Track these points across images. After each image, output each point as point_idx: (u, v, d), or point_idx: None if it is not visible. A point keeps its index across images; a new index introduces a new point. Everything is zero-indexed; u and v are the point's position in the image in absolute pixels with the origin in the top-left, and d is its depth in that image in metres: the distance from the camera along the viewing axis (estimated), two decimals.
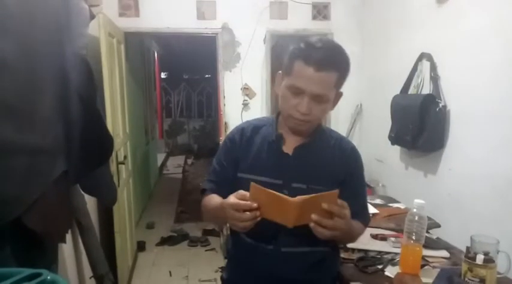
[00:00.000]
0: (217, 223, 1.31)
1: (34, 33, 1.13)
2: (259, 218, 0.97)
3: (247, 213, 0.95)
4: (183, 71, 9.40)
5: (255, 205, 0.95)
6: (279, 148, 1.15)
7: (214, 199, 1.16)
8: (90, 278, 2.06)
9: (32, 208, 1.10)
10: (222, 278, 1.33)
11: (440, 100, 2.13)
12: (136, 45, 4.39)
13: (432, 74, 2.21)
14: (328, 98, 1.06)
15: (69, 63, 1.30)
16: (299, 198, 0.93)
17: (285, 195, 0.96)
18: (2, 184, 1.01)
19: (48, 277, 0.75)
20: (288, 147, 1.15)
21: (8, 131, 1.02)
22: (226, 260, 1.34)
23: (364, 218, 1.23)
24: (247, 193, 0.97)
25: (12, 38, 1.03)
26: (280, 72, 1.12)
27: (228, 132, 1.24)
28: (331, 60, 1.02)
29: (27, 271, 0.75)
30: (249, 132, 1.18)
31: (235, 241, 1.22)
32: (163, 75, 9.02)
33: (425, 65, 2.29)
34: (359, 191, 1.23)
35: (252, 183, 0.96)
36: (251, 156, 1.15)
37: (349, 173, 1.18)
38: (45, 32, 1.18)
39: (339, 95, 1.11)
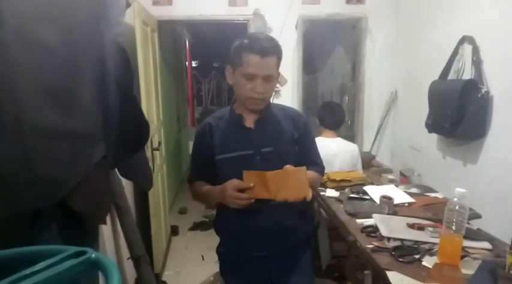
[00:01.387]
0: (207, 203, 1.60)
1: (74, 21, 1.15)
2: (253, 200, 1.26)
3: (245, 194, 1.25)
4: (213, 59, 9.45)
5: (251, 184, 1.25)
6: (242, 125, 1.40)
7: (203, 185, 1.44)
8: (128, 259, 2.13)
9: (75, 190, 1.13)
10: (218, 252, 1.55)
11: (483, 85, 2.03)
12: (168, 33, 4.44)
13: (474, 58, 2.10)
14: (274, 77, 1.34)
15: (107, 51, 1.32)
16: (272, 171, 1.25)
17: (257, 160, 1.35)
18: (49, 167, 1.05)
19: (93, 255, 0.77)
20: (249, 123, 1.41)
21: (53, 117, 1.05)
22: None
23: (320, 166, 1.55)
24: (241, 182, 1.27)
25: (55, 26, 1.05)
26: (228, 66, 1.37)
27: None
28: (270, 47, 1.29)
29: (73, 249, 0.78)
30: (214, 123, 1.43)
31: (226, 214, 1.42)
32: (194, 64, 9.09)
33: (467, 49, 2.19)
34: (311, 145, 1.54)
35: (245, 171, 1.26)
36: (221, 140, 1.40)
37: (300, 132, 1.45)
38: (85, 20, 1.21)
39: (278, 74, 1.37)
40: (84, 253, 0.77)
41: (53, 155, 1.06)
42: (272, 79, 1.33)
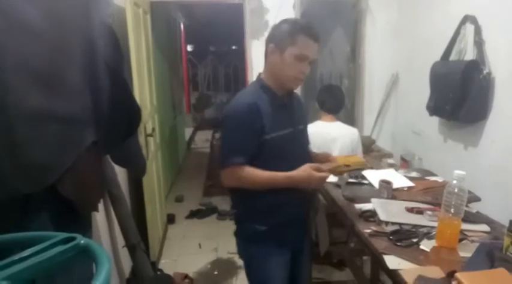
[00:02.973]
0: (264, 188, 1.43)
1: (61, 1, 1.11)
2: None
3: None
4: (209, 43, 9.30)
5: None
6: (284, 104, 1.47)
7: (258, 170, 1.39)
8: (123, 247, 2.12)
9: (65, 176, 1.11)
10: (254, 233, 1.48)
11: (485, 66, 1.99)
12: (162, 16, 4.33)
13: (476, 39, 2.05)
14: None
15: (96, 33, 1.28)
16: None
17: (296, 137, 1.49)
18: (35, 151, 1.02)
19: (82, 241, 0.77)
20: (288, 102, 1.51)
21: (40, 99, 1.02)
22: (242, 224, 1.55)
23: None
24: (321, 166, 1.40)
25: (40, 5, 1.02)
26: (273, 44, 1.40)
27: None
28: (319, 34, 1.40)
29: (62, 235, 0.78)
30: (257, 103, 1.40)
31: (265, 193, 1.41)
32: (189, 48, 8.95)
33: (469, 29, 2.13)
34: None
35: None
36: (269, 119, 1.40)
37: (306, 112, 1.65)
38: (72, 0, 1.17)
39: None
40: (73, 239, 0.78)
41: (40, 139, 1.04)
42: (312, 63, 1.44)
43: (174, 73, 5.26)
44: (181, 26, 6.42)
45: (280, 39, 1.38)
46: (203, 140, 7.29)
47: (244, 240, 1.54)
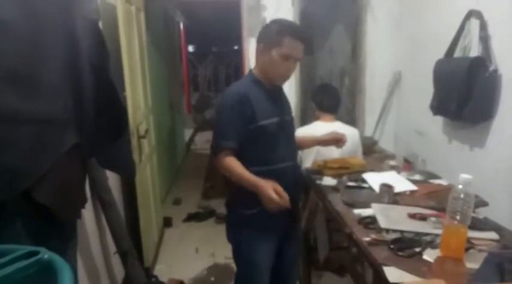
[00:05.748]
0: (235, 181, 1.55)
1: None
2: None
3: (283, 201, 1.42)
4: (211, 43, 9.26)
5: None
6: (272, 96, 1.60)
7: (239, 164, 1.49)
8: (114, 254, 2.05)
9: (43, 181, 1.05)
10: (243, 218, 1.59)
11: (491, 63, 1.91)
12: (159, 15, 4.26)
13: (482, 34, 1.97)
14: None
15: (80, 29, 1.22)
16: None
17: (282, 126, 1.60)
18: (8, 155, 0.96)
19: (46, 256, 0.73)
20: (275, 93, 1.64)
21: (12, 99, 0.96)
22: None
23: None
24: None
25: None
26: (261, 44, 1.54)
27: None
28: (308, 36, 1.57)
29: (26, 249, 0.74)
30: (247, 93, 1.53)
31: (260, 175, 1.49)
32: (191, 49, 8.90)
33: (474, 24, 2.05)
34: None
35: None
36: (259, 108, 1.52)
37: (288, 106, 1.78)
38: None
39: None
40: (36, 253, 0.73)
41: (12, 142, 0.97)
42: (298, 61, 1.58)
43: (173, 73, 5.19)
44: (181, 26, 6.36)
45: (268, 39, 1.51)
46: (203, 141, 7.20)
47: (234, 225, 1.66)
